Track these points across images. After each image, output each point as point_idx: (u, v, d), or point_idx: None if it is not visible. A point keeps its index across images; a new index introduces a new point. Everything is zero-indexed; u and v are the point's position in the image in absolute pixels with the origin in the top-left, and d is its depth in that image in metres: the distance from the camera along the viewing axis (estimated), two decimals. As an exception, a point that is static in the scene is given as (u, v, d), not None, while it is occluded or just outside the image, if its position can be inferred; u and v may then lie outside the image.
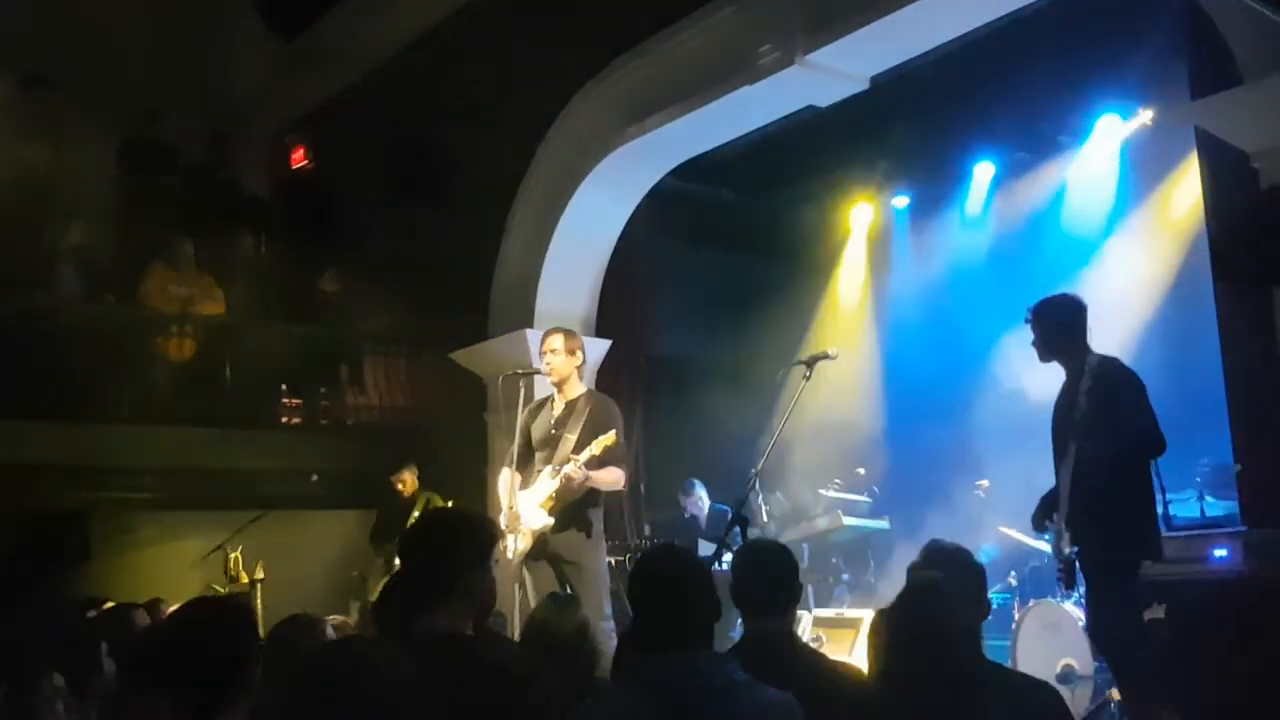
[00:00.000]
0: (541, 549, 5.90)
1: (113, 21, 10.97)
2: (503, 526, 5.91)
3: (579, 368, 6.21)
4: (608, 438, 5.76)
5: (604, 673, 3.87)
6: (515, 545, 5.91)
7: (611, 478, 5.93)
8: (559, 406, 6.13)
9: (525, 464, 6.15)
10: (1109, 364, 4.99)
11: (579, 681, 3.36)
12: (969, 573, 3.35)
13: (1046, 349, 5.17)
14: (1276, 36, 5.19)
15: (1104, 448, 4.80)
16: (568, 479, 5.72)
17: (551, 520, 5.83)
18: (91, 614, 6.21)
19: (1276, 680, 4.92)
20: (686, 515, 8.93)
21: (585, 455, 5.74)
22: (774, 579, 3.46)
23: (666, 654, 2.71)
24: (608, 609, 5.83)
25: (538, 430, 6.15)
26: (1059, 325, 5.12)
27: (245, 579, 7.85)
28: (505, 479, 6.10)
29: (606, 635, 5.63)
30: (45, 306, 9.03)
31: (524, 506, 5.93)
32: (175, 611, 3.00)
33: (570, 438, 5.91)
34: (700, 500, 8.91)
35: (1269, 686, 4.97)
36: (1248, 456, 5.75)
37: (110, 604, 5.82)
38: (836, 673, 3.42)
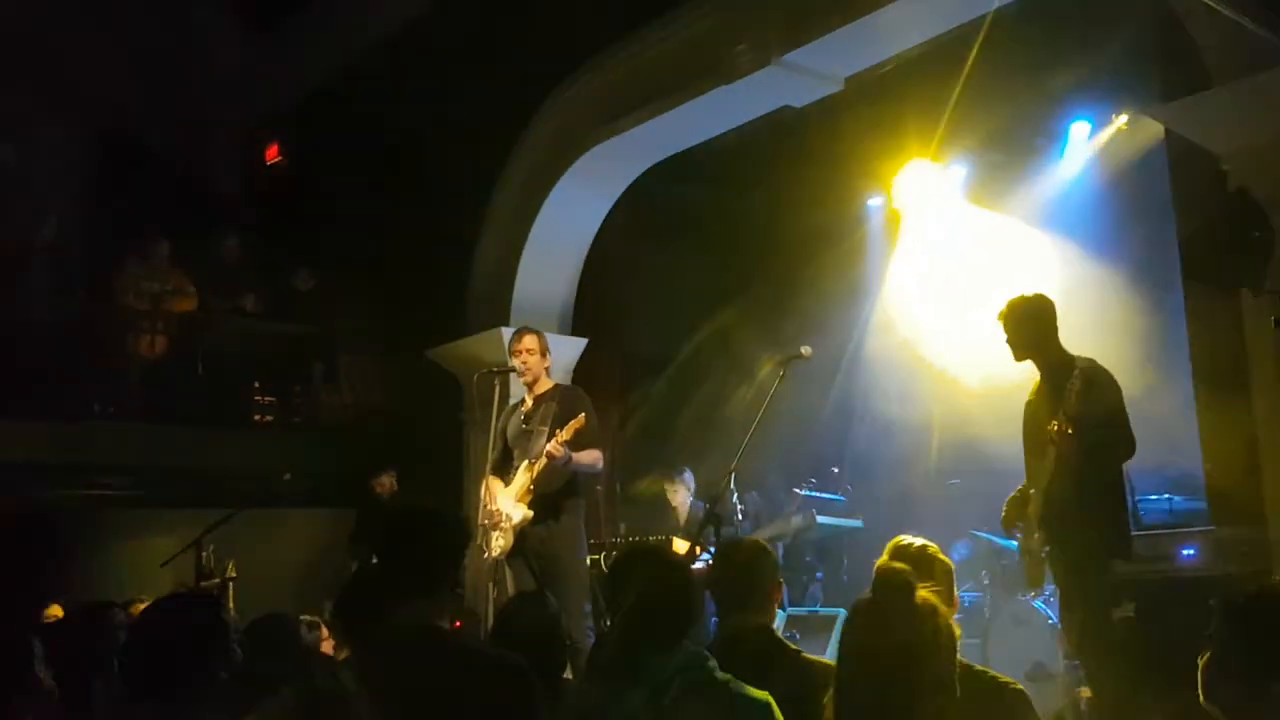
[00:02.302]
0: (520, 545, 5.91)
1: (85, 14, 10.88)
2: (483, 524, 5.93)
3: (548, 367, 6.30)
4: (577, 420, 5.82)
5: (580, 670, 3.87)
6: (497, 543, 5.91)
7: (590, 458, 6.00)
8: (529, 404, 6.19)
9: (504, 467, 6.18)
10: (1086, 366, 5.03)
11: (547, 679, 3.37)
12: (934, 570, 3.37)
13: (1022, 348, 5.18)
14: (1244, 40, 5.25)
15: (1078, 450, 4.84)
16: (551, 456, 5.75)
17: (531, 513, 5.85)
18: (61, 612, 6.17)
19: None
20: (671, 504, 8.89)
21: (562, 436, 5.79)
22: (752, 576, 3.47)
23: (639, 652, 2.72)
24: (587, 607, 5.84)
25: (512, 429, 6.19)
26: (1033, 324, 5.15)
27: (217, 578, 7.80)
28: (487, 484, 6.14)
29: (586, 633, 5.65)
30: (16, 302, 8.96)
31: (504, 503, 5.95)
32: (144, 609, 3.00)
33: (542, 430, 5.98)
34: (681, 495, 8.88)
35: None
36: (1216, 455, 5.82)
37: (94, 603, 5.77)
38: (814, 670, 3.44)
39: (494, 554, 5.96)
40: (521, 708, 2.53)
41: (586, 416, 5.88)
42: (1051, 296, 5.29)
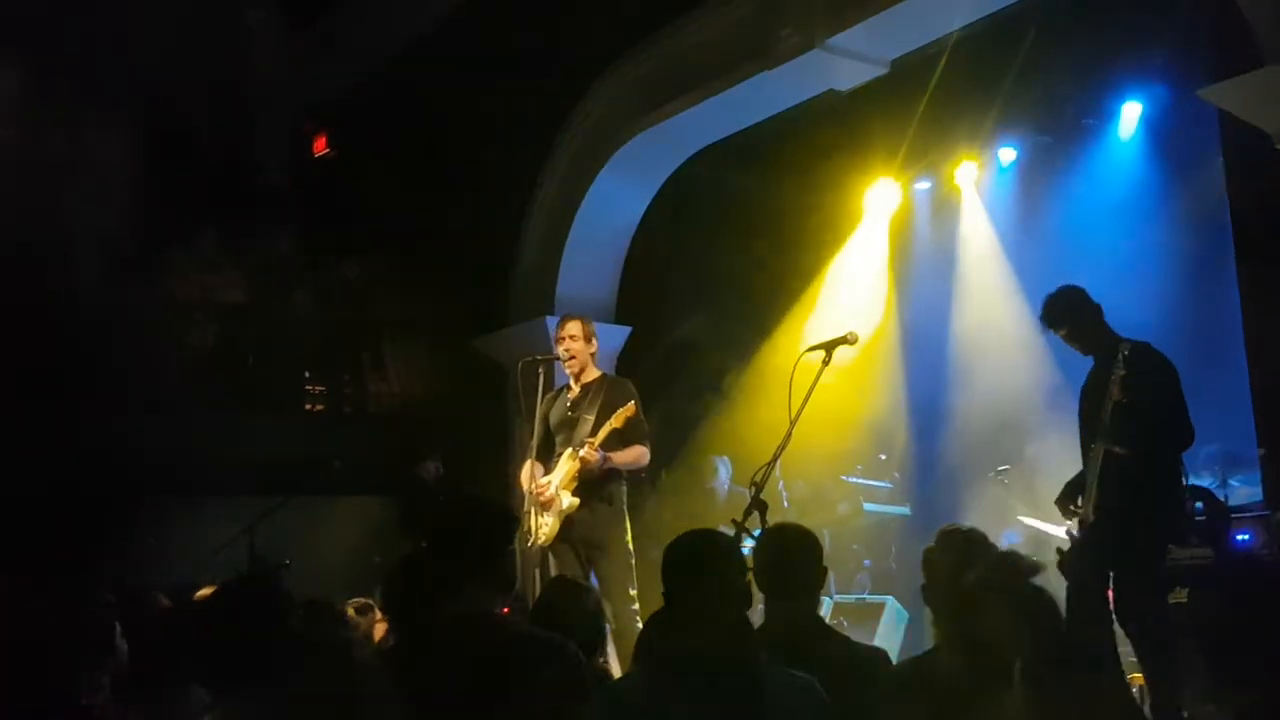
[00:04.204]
0: (567, 532, 5.92)
1: (132, 8, 11.01)
2: (527, 508, 5.94)
3: (594, 354, 6.25)
4: (626, 409, 5.79)
5: (628, 654, 3.88)
6: (544, 529, 5.92)
7: (632, 456, 5.95)
8: (575, 391, 6.17)
9: (546, 452, 6.18)
10: (1144, 352, 4.97)
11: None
12: (982, 557, 3.35)
13: (1088, 343, 5.18)
14: (1299, 18, 5.16)
15: (1136, 437, 4.80)
16: (584, 461, 5.74)
17: (577, 500, 5.85)
18: (110, 597, 6.26)
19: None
20: (706, 488, 8.92)
21: (603, 433, 5.77)
22: (798, 562, 3.47)
23: (687, 636, 2.72)
24: (633, 590, 5.84)
25: (555, 416, 6.18)
26: (1089, 317, 5.15)
27: (270, 564, 7.89)
28: (527, 469, 6.14)
29: (632, 617, 5.66)
30: (65, 294, 9.10)
31: (555, 488, 5.96)
32: (211, 593, 3.03)
33: (588, 419, 5.95)
34: (718, 479, 8.89)
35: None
36: (1271, 439, 5.73)
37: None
38: (861, 656, 3.43)
39: (540, 541, 5.98)
40: (570, 690, 2.55)
41: (635, 405, 5.86)
42: (1102, 279, 5.26)
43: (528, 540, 5.96)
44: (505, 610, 3.83)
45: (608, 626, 5.75)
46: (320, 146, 10.69)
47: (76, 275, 9.36)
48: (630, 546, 6.02)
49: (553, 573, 5.96)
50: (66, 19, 10.26)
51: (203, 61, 11.44)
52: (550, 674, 2.55)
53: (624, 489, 6.07)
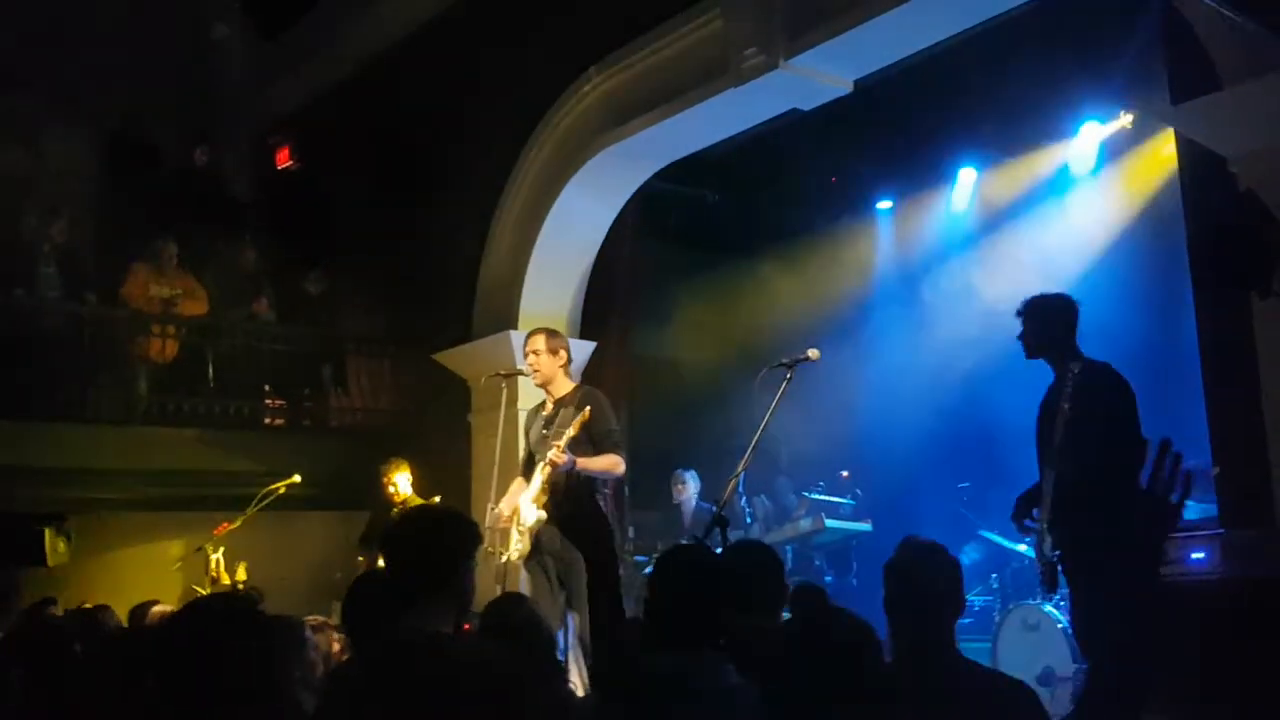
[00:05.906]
0: (538, 546, 5.89)
1: (96, 19, 10.93)
2: (489, 524, 5.92)
3: (564, 366, 6.19)
4: (582, 415, 5.75)
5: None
6: (515, 545, 5.90)
7: (605, 464, 5.90)
8: (549, 408, 6.14)
9: (529, 470, 6.14)
10: (1100, 370, 4.99)
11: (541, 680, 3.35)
12: (944, 569, 3.36)
13: (1034, 345, 5.16)
14: (1255, 43, 5.24)
15: (1089, 455, 4.82)
16: (553, 464, 5.71)
17: (544, 515, 5.82)
18: (54, 611, 6.18)
19: (1253, 680, 4.96)
20: (673, 502, 8.93)
21: (565, 438, 5.73)
22: (759, 580, 3.46)
23: (660, 654, 2.69)
24: None
25: (533, 434, 6.15)
26: (1047, 323, 5.12)
27: (226, 580, 7.81)
28: (515, 487, 6.12)
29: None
30: (26, 305, 9.00)
31: (523, 505, 5.93)
32: (182, 610, 2.95)
33: (561, 432, 5.92)
34: (687, 493, 8.88)
35: (1245, 686, 5.01)
36: (1226, 459, 5.79)
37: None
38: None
39: (512, 557, 5.95)
40: (511, 714, 2.50)
41: (592, 411, 5.79)
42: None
43: (500, 556, 5.94)
44: (466, 627, 3.81)
45: (568, 639, 5.76)
46: (284, 159, 10.62)
47: (35, 287, 9.26)
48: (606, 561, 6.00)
49: (526, 589, 5.94)
50: (31, 30, 10.17)
51: (167, 72, 11.38)
52: (494, 702, 2.51)
53: (601, 503, 6.04)
